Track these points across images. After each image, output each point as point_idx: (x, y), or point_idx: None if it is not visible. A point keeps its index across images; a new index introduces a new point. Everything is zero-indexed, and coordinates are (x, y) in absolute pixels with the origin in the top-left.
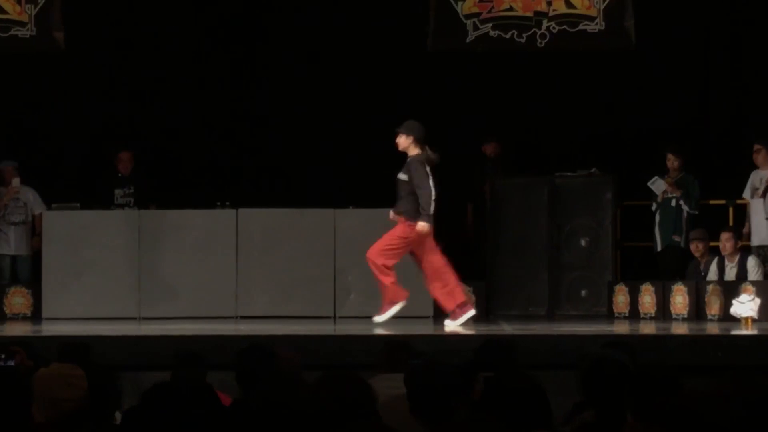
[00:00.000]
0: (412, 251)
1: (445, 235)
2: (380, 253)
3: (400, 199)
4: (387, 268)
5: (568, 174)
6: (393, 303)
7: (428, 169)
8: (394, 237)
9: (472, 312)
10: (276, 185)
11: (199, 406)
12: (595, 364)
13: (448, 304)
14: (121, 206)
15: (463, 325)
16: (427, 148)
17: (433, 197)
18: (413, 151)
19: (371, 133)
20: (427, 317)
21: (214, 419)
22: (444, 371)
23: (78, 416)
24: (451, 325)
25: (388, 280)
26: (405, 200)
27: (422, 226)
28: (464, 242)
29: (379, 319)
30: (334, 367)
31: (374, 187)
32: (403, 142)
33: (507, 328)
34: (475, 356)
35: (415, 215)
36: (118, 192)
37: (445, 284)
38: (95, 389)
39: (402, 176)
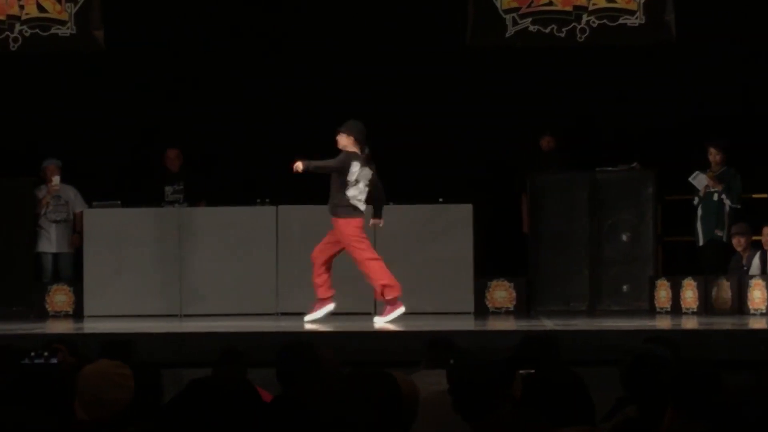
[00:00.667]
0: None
1: (500, 228)
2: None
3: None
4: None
5: (609, 169)
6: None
7: (357, 168)
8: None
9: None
10: (315, 182)
11: (239, 403)
12: (637, 359)
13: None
14: (171, 203)
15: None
16: (366, 148)
17: (332, 167)
18: (351, 149)
19: (411, 129)
20: (468, 313)
21: (253, 415)
22: (486, 367)
23: (123, 416)
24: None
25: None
26: (332, 197)
27: (297, 165)
28: (519, 236)
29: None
30: (375, 364)
31: (412, 183)
32: (344, 140)
33: (548, 324)
34: (516, 352)
35: (337, 210)
36: (168, 189)
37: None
38: (138, 387)
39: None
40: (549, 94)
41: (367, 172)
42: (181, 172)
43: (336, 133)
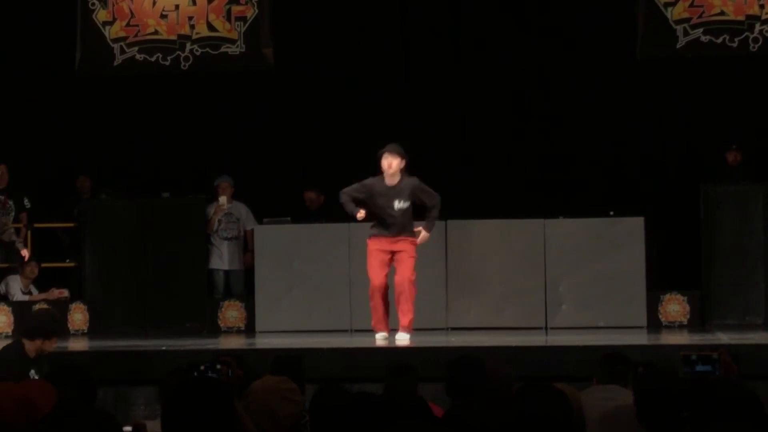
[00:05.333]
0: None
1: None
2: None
3: (404, 223)
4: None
5: None
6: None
7: None
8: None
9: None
10: (484, 195)
11: (411, 417)
12: None
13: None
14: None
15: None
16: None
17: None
18: (400, 174)
19: (578, 142)
20: (641, 327)
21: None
22: (674, 377)
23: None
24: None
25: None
26: (410, 221)
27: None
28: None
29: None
30: (546, 379)
31: (584, 196)
32: (397, 165)
33: (723, 338)
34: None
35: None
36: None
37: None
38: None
39: (405, 204)
40: (727, 105)
41: None
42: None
43: (385, 156)
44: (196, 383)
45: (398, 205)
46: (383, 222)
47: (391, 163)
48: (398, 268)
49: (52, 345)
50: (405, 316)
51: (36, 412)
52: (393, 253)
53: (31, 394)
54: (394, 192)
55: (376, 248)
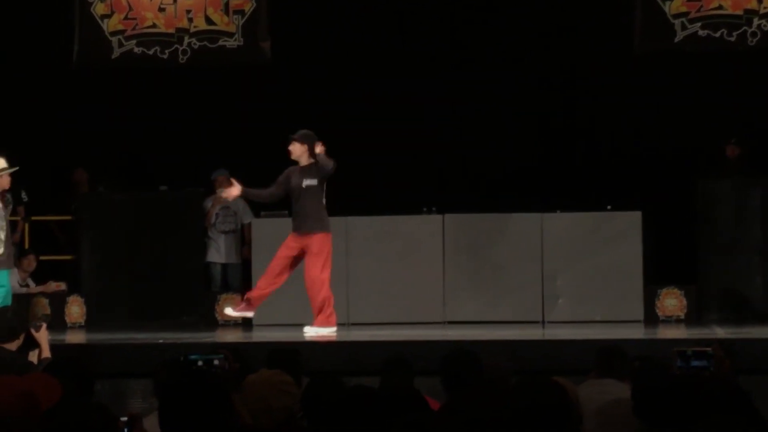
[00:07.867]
0: (302, 256)
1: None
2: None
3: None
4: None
5: None
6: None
7: None
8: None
9: None
10: (482, 190)
11: (407, 411)
12: None
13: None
14: None
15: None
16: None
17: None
18: (306, 161)
19: (576, 137)
20: (638, 321)
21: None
22: (671, 373)
23: (287, 422)
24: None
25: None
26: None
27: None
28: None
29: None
30: (543, 373)
31: (581, 190)
32: (298, 150)
33: (720, 332)
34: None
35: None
36: None
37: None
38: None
39: (313, 181)
40: (725, 99)
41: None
42: None
43: (289, 141)
44: (193, 377)
45: (306, 182)
46: (294, 209)
47: (290, 151)
48: (307, 264)
49: (19, 344)
50: (315, 313)
51: (38, 406)
52: (303, 249)
53: (35, 388)
54: (305, 171)
55: (290, 239)
